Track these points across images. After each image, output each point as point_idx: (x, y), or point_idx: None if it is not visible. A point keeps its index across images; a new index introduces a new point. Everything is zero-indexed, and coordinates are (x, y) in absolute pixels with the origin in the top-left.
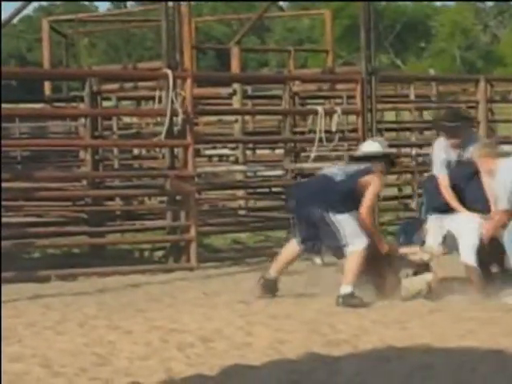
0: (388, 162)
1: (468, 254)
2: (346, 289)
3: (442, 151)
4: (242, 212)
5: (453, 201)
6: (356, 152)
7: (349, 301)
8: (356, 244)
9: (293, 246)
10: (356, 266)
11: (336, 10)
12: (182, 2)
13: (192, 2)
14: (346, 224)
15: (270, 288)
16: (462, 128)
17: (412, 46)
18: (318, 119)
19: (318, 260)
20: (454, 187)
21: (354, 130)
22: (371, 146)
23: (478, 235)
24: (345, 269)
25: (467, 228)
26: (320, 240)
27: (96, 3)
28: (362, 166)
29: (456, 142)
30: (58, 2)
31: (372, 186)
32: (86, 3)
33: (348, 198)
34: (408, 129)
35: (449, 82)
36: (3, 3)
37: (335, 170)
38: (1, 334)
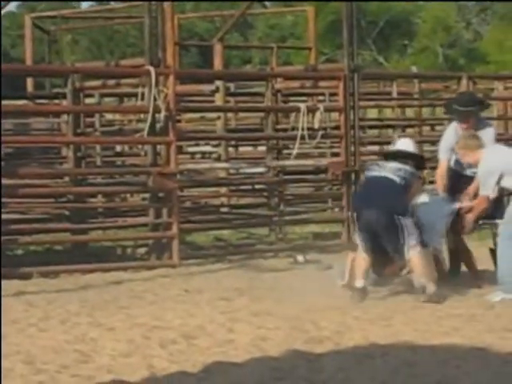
0: (419, 162)
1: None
2: (431, 288)
3: (451, 136)
4: (224, 209)
5: (440, 187)
6: (391, 149)
7: (434, 298)
8: (418, 245)
9: (362, 254)
10: (428, 263)
11: (319, 5)
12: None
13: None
14: (411, 227)
15: (363, 295)
16: (474, 112)
17: (395, 43)
18: (300, 116)
19: (300, 258)
20: (459, 175)
21: (337, 128)
22: (408, 146)
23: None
24: (419, 269)
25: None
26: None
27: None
28: (407, 167)
29: (468, 126)
30: None
31: (414, 188)
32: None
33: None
34: (390, 126)
35: (431, 80)
36: None
37: (389, 174)
38: (1, 332)
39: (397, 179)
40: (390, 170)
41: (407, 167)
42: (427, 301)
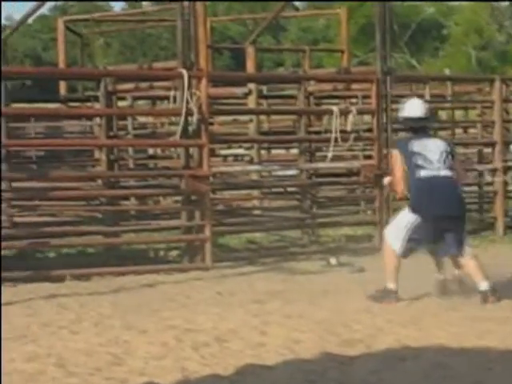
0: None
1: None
2: (486, 285)
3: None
4: (256, 212)
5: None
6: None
7: (495, 295)
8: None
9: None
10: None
11: (351, 9)
12: (197, 2)
13: (207, 2)
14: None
15: (446, 287)
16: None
17: (427, 45)
18: (333, 119)
19: (333, 260)
20: None
21: (369, 130)
22: (422, 107)
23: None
24: (474, 268)
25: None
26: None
27: (111, 3)
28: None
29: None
30: (74, 2)
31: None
32: (102, 3)
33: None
34: None
35: (464, 82)
36: (18, 3)
37: (442, 166)
38: (1, 336)
39: (451, 175)
40: (438, 152)
41: (443, 140)
42: (486, 300)
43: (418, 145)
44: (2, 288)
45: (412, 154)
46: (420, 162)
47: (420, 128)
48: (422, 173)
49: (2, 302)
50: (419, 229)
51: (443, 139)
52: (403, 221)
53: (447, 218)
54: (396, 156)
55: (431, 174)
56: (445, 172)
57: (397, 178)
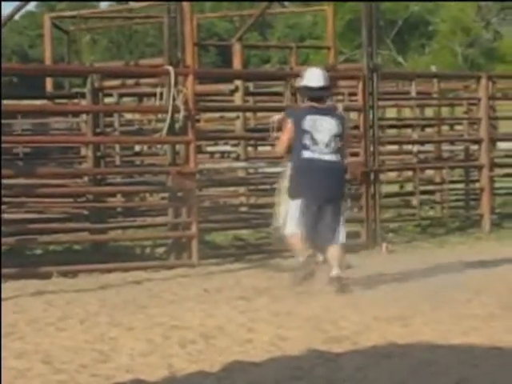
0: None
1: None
2: (337, 272)
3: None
4: (243, 209)
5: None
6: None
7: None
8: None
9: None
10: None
11: (337, 4)
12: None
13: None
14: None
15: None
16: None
17: (413, 42)
18: None
19: (319, 257)
20: None
21: (356, 127)
22: (322, 77)
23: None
24: (336, 256)
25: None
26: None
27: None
28: (339, 114)
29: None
30: None
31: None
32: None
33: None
34: (409, 125)
35: (450, 79)
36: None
37: (327, 150)
38: (0, 332)
39: (335, 158)
40: (327, 134)
41: (339, 114)
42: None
43: (310, 122)
44: None
45: (302, 132)
46: (307, 141)
47: (318, 98)
48: (306, 154)
49: None
50: (303, 214)
51: (339, 116)
52: (293, 210)
53: (325, 203)
54: (289, 124)
55: (314, 156)
56: (329, 156)
57: (282, 139)
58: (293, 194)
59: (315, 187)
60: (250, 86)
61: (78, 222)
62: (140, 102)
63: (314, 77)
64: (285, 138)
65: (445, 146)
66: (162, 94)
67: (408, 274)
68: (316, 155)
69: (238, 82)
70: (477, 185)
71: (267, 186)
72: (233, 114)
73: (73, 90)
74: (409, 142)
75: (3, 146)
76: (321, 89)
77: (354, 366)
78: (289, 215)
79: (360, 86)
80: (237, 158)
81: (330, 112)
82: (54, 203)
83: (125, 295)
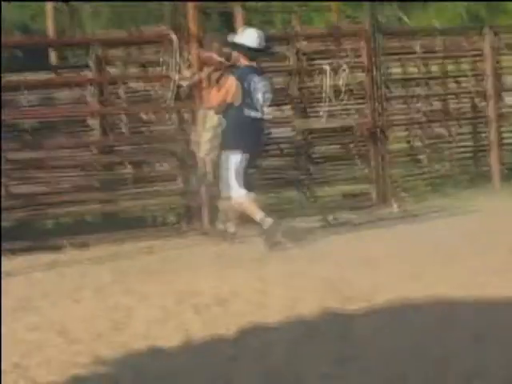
0: None
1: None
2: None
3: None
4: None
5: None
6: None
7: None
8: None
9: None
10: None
11: None
12: None
13: None
14: None
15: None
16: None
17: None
18: (325, 77)
19: (330, 217)
20: None
21: (361, 86)
22: (257, 37)
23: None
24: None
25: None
26: None
27: None
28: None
29: None
30: None
31: None
32: None
33: None
34: (415, 80)
35: (454, 34)
36: None
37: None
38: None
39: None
40: (261, 93)
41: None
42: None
43: (252, 82)
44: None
45: (244, 91)
46: (248, 100)
47: (255, 59)
48: (246, 112)
49: (2, 273)
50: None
51: (267, 77)
52: (234, 169)
53: (253, 160)
54: (231, 83)
55: (256, 115)
56: (262, 115)
57: (220, 94)
58: (233, 147)
59: (254, 143)
60: None
61: (88, 192)
62: (144, 70)
63: (256, 38)
64: (221, 93)
65: (452, 105)
66: (165, 61)
67: (420, 230)
68: (253, 113)
69: None
70: (485, 139)
71: (275, 149)
72: None
73: (76, 62)
74: (414, 97)
75: (10, 120)
76: (258, 50)
77: (368, 325)
78: (230, 173)
79: (364, 44)
80: None
81: (262, 73)
82: (62, 175)
83: (137, 264)
